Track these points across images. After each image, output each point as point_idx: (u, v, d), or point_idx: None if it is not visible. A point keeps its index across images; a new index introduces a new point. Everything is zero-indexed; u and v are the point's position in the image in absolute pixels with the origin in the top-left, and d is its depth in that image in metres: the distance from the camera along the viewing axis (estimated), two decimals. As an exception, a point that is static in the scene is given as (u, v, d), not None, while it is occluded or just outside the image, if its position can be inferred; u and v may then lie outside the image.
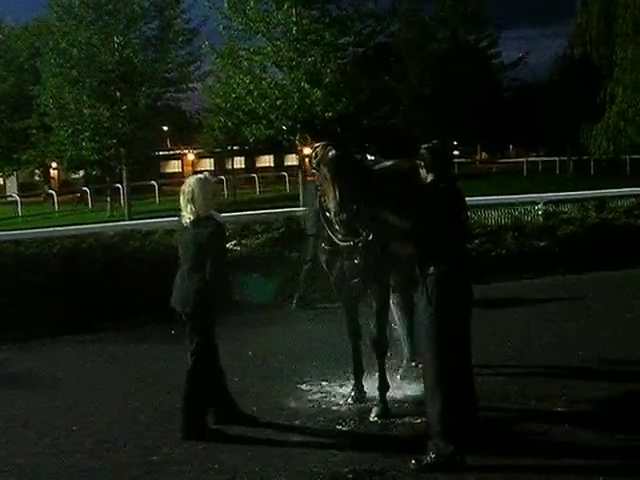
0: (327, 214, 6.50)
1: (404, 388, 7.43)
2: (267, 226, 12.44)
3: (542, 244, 13.19)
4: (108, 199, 37.16)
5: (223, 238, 6.69)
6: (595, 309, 10.54)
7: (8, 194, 46.05)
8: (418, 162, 6.06)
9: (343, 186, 6.17)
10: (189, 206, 6.36)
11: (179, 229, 6.71)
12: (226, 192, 44.37)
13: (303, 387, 7.65)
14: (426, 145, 6.11)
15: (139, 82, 33.47)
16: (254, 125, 31.31)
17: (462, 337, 5.89)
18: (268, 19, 30.17)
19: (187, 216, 6.40)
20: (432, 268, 5.74)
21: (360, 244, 6.52)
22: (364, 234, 6.52)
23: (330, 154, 6.32)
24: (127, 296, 10.82)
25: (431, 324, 5.76)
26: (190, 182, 6.45)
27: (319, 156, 6.39)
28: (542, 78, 48.73)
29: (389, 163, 7.56)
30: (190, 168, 66.60)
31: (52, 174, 58.38)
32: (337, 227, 6.40)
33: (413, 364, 7.69)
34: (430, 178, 5.97)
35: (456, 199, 6.02)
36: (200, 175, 6.60)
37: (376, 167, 7.39)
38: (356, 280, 6.77)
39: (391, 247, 6.73)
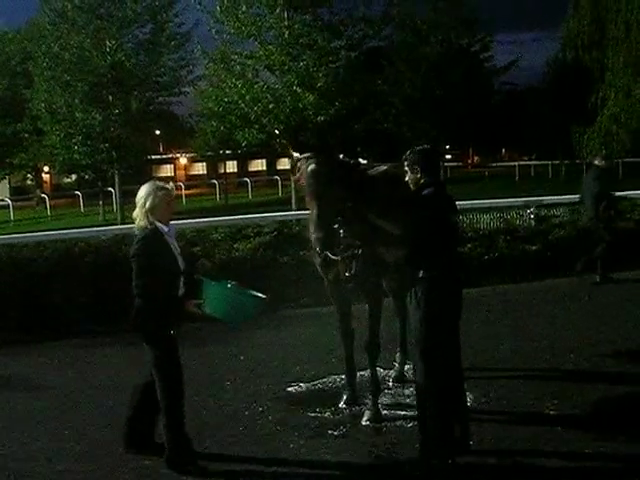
0: None
1: (396, 391, 7.44)
2: (259, 230, 12.42)
3: (534, 248, 13.20)
4: (100, 203, 37.06)
5: (149, 255, 5.67)
6: (587, 312, 10.56)
7: (0, 198, 45.84)
8: (406, 166, 6.04)
9: (322, 204, 6.00)
10: (137, 210, 5.72)
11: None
12: (218, 196, 44.64)
13: (295, 390, 7.66)
14: (415, 149, 6.11)
15: (131, 86, 33.40)
16: (246, 129, 31.32)
17: (452, 341, 5.90)
18: (260, 23, 30.21)
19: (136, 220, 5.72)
20: (422, 272, 5.75)
21: (349, 258, 6.49)
22: (351, 250, 6.46)
23: (309, 169, 6.13)
24: (119, 300, 10.77)
25: (420, 328, 5.76)
26: (146, 186, 5.74)
27: (301, 170, 6.25)
28: (534, 82, 48.91)
29: (384, 167, 7.51)
30: (183, 172, 66.64)
31: (44, 178, 58.27)
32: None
33: (405, 368, 7.70)
34: (420, 182, 5.96)
35: (446, 203, 6.01)
36: (160, 183, 5.85)
37: (370, 171, 7.34)
38: (350, 284, 6.76)
39: (384, 252, 6.70)
